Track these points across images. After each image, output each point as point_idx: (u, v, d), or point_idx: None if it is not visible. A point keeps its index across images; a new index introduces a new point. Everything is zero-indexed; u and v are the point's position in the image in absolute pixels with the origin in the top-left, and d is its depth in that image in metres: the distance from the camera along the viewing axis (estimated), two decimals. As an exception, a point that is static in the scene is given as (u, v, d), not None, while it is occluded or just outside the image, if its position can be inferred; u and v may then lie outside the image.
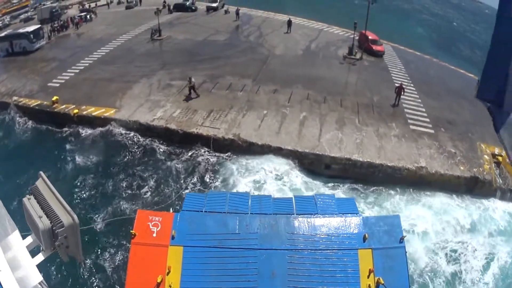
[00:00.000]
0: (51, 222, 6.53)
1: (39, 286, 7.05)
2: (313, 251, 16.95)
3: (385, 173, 30.30)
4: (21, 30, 61.85)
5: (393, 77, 47.32)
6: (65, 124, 39.01)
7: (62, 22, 71.42)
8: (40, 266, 6.88)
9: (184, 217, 18.27)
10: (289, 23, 61.46)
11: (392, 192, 29.72)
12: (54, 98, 41.10)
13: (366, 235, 16.68)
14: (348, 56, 52.49)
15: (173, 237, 17.36)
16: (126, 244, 24.39)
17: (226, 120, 35.31)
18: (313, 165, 31.33)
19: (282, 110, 36.71)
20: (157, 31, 60.66)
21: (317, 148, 31.40)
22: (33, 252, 7.14)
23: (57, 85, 46.19)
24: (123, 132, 36.12)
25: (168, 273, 16.45)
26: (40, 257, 7.00)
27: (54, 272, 23.94)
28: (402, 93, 38.50)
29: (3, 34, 63.59)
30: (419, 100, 40.92)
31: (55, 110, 40.23)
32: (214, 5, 76.09)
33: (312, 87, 41.70)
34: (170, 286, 16.13)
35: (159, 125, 35.48)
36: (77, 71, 49.60)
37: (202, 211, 18.75)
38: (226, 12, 72.50)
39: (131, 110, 37.95)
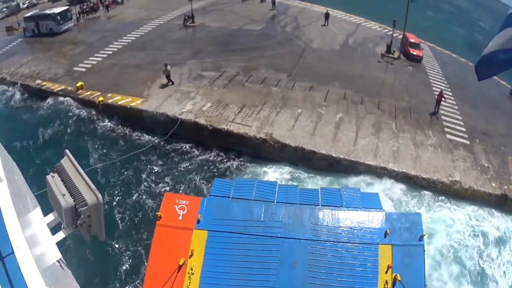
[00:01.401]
0: (74, 201, 6.40)
1: (58, 263, 7.06)
2: (335, 243, 17.32)
3: (419, 184, 29.07)
4: (48, 11, 61.66)
5: (430, 80, 45.82)
6: (89, 111, 38.64)
7: (91, 4, 71.19)
8: (59, 244, 6.77)
9: (211, 202, 18.93)
10: (327, 15, 59.81)
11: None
12: (79, 84, 40.97)
13: (388, 231, 16.99)
14: (386, 54, 50.89)
15: (198, 221, 17.95)
16: (150, 226, 23.95)
17: (258, 117, 34.15)
18: (345, 171, 30.00)
19: (317, 110, 35.36)
20: (190, 17, 59.81)
21: (352, 154, 30.10)
22: (54, 230, 7.01)
23: (83, 69, 46.02)
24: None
25: (190, 256, 17.02)
26: (60, 235, 6.84)
27: (74, 251, 23.92)
28: (443, 100, 36.87)
29: (29, 14, 63.41)
30: (456, 107, 39.32)
31: (80, 96, 39.90)
32: (251, -8, 74.48)
33: (350, 86, 40.25)
34: (191, 269, 16.71)
35: (188, 119, 34.44)
36: (105, 56, 49.30)
37: (229, 197, 19.50)
38: (262, 0, 71.13)
39: (159, 101, 37.21)
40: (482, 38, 76.19)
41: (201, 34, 56.11)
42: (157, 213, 18.00)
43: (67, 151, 7.27)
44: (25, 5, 75.65)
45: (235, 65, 44.27)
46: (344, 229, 17.67)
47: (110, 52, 50.16)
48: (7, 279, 5.35)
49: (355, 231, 17.57)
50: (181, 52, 48.62)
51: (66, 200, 6.34)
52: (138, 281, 22.57)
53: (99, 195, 6.38)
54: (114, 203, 28.17)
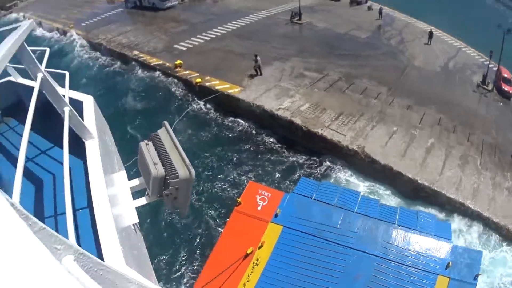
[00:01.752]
0: (165, 171, 6.46)
1: (133, 227, 7.43)
2: (400, 264, 17.58)
3: (489, 228, 28.70)
4: None
5: (519, 121, 45.05)
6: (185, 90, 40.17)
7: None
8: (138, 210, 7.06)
9: (292, 199, 19.63)
10: (431, 34, 59.56)
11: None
12: (178, 61, 42.70)
13: (450, 263, 17.17)
14: (481, 85, 50.55)
15: (276, 215, 18.67)
16: (227, 211, 25.37)
17: (354, 127, 34.80)
18: (425, 199, 30.13)
19: (412, 131, 35.45)
20: (297, 14, 60.38)
21: (436, 184, 29.97)
22: (135, 196, 7.26)
23: (184, 48, 47.89)
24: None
25: (260, 247, 17.69)
26: (142, 201, 7.11)
27: (148, 220, 25.37)
28: None
29: None
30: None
31: (177, 74, 41.45)
32: (359, -2, 74.41)
33: (445, 111, 40.10)
34: (257, 260, 17.32)
35: (284, 116, 35.44)
36: (208, 38, 50.90)
37: (311, 198, 20.07)
38: (369, 8, 71.04)
39: (257, 93, 38.62)
40: None
41: (307, 33, 56.83)
42: (237, 198, 19.02)
43: (165, 122, 7.39)
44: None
45: (338, 70, 44.93)
46: (412, 252, 18.11)
47: (214, 36, 51.81)
48: (77, 235, 5.42)
49: (421, 257, 17.93)
50: (286, 48, 49.43)
51: (157, 169, 6.46)
52: (202, 259, 23.32)
53: (193, 171, 6.43)
54: (197, 181, 28.93)
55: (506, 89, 49.91)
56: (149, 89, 42.05)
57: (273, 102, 36.92)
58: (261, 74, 41.29)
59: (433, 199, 29.71)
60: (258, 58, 40.76)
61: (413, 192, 30.39)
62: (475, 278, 16.84)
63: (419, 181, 30.08)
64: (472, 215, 28.87)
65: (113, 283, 2.79)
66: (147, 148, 6.86)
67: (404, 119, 37.29)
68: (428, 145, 34.29)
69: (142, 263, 7.44)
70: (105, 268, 2.71)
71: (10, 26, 6.29)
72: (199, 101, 39.38)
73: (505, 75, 51.19)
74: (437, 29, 65.99)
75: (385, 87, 42.78)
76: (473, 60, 59.69)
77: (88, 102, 8.39)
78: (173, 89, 41.40)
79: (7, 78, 9.35)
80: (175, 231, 26.20)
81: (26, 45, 6.00)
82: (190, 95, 40.51)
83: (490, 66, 50.99)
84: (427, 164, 32.03)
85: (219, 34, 53.09)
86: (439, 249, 18.18)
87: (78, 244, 4.25)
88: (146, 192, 7.02)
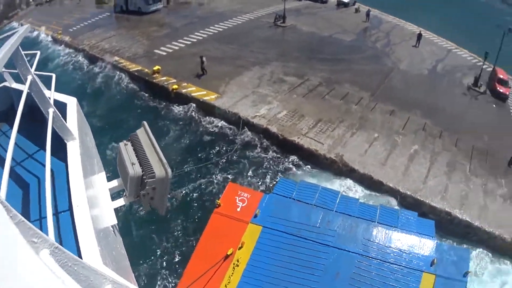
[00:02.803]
0: (142, 171, 6.69)
1: (111, 228, 7.47)
2: (382, 262, 17.65)
3: (480, 237, 27.64)
4: None
5: (514, 123, 43.65)
6: (162, 97, 39.51)
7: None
8: (116, 211, 7.25)
9: (272, 199, 19.72)
10: (419, 36, 58.28)
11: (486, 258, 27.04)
12: (156, 67, 41.79)
13: (435, 260, 17.24)
14: (472, 87, 49.07)
15: (255, 216, 18.77)
16: (205, 212, 25.00)
17: (332, 135, 33.55)
18: (409, 209, 28.18)
19: (394, 137, 34.39)
20: (281, 17, 59.52)
21: (419, 193, 28.97)
22: (114, 197, 7.46)
23: (164, 53, 47.06)
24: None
25: (240, 248, 17.74)
26: (120, 202, 7.30)
27: (128, 220, 25.76)
28: None
29: None
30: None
31: (154, 81, 40.52)
32: (346, 0, 73.82)
33: (431, 116, 38.95)
34: (238, 261, 17.37)
35: (259, 124, 34.41)
36: (189, 43, 50.09)
37: (291, 198, 20.14)
38: (357, 10, 69.98)
39: (233, 100, 37.46)
40: None
41: (289, 36, 55.84)
42: (217, 200, 18.84)
43: (144, 122, 7.68)
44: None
45: (319, 75, 43.78)
46: (394, 250, 18.06)
47: (195, 40, 50.87)
48: (58, 235, 5.69)
49: (404, 254, 17.87)
50: (266, 52, 48.52)
51: (134, 169, 6.66)
52: (183, 261, 22.80)
53: (169, 170, 6.66)
54: (177, 183, 28.93)
55: (501, 90, 48.44)
56: (128, 95, 41.31)
57: (250, 110, 36.16)
58: (206, 73, 41.27)
59: (417, 209, 27.33)
60: (204, 59, 40.77)
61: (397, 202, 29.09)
62: (465, 275, 16.82)
63: (400, 190, 28.99)
64: (460, 225, 27.78)
65: (88, 278, 2.99)
66: (125, 149, 7.18)
67: (386, 125, 36.18)
68: (411, 152, 33.09)
69: (121, 263, 7.47)
70: (79, 263, 2.91)
71: (9, 33, 6.64)
72: (175, 106, 38.47)
73: (501, 76, 49.70)
74: (426, 31, 64.77)
75: (368, 92, 41.60)
76: (464, 61, 58.38)
77: (72, 104, 8.64)
78: (147, 95, 40.71)
79: (2, 84, 9.66)
80: (155, 233, 26.06)
81: (20, 49, 6.41)
82: (166, 101, 39.35)
83: (484, 67, 49.50)
84: (410, 172, 30.80)
85: (200, 38, 52.16)
86: (422, 246, 18.16)
87: (60, 243, 4.14)
88: (124, 193, 7.30)
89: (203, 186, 29.89)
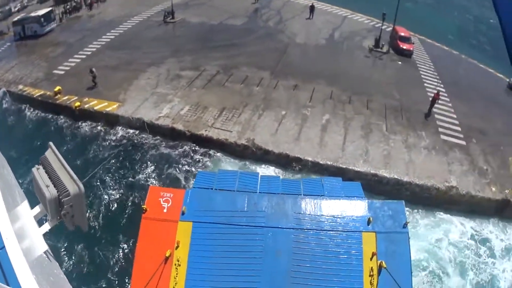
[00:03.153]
0: (57, 191, 6.67)
1: (44, 255, 7.31)
2: (318, 231, 17.47)
3: (412, 191, 27.50)
4: (32, 14, 61.02)
5: (422, 76, 43.89)
6: (68, 116, 37.72)
7: (74, 4, 69.60)
8: (46, 236, 7.05)
9: (194, 194, 19.00)
10: (312, 8, 57.60)
11: (416, 214, 27.27)
12: (57, 88, 40.10)
13: (371, 219, 17.05)
14: (374, 48, 48.90)
15: (183, 213, 18.01)
16: (135, 219, 23.33)
17: (239, 121, 32.58)
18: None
19: (302, 111, 33.81)
20: (170, 13, 57.88)
21: (340, 161, 28.51)
22: (41, 222, 7.29)
23: (62, 72, 44.73)
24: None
25: (176, 248, 17.10)
26: (46, 227, 7.12)
27: (62, 243, 25.15)
28: (437, 101, 35.10)
29: (16, 19, 62.79)
30: (450, 105, 37.53)
31: (57, 102, 38.51)
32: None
33: (336, 83, 38.49)
34: (178, 260, 16.79)
35: (165, 124, 32.98)
36: (84, 57, 47.89)
37: (212, 189, 19.60)
38: (245, -7, 68.46)
39: (135, 105, 35.83)
40: (473, 29, 74.27)
41: (180, 31, 54.40)
42: (142, 206, 18.04)
43: (50, 143, 7.57)
44: (16, 9, 75.20)
45: (215, 63, 42.74)
46: (326, 217, 17.79)
47: (89, 53, 48.73)
48: (1, 272, 5.62)
49: (338, 219, 17.68)
50: (159, 51, 47.07)
51: (50, 191, 6.63)
52: (126, 274, 22.96)
53: (81, 185, 6.65)
54: (98, 198, 28.51)
55: (404, 47, 48.87)
56: (38, 122, 39.12)
57: (152, 112, 34.73)
58: (96, 84, 39.75)
59: (342, 177, 25.94)
60: (94, 69, 39.39)
61: (318, 173, 28.49)
62: (404, 226, 16.84)
63: (320, 162, 28.83)
64: (389, 184, 27.76)
65: None
66: (38, 173, 7.14)
67: (292, 100, 35.55)
68: (323, 122, 32.55)
69: (61, 287, 7.61)
70: None
71: None
72: (83, 123, 36.71)
73: (402, 34, 50.06)
74: (319, 1, 64.54)
75: (267, 71, 40.90)
76: (362, 25, 58.49)
77: None
78: (56, 118, 38.49)
79: None
80: (92, 251, 25.55)
81: None
82: (73, 120, 37.49)
83: (383, 28, 49.46)
84: (326, 142, 30.37)
85: (94, 49, 49.88)
86: (355, 208, 17.97)
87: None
88: (48, 217, 7.09)
89: (124, 197, 29.17)
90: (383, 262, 15.55)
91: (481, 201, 27.14)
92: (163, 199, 18.77)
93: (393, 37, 50.46)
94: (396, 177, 27.51)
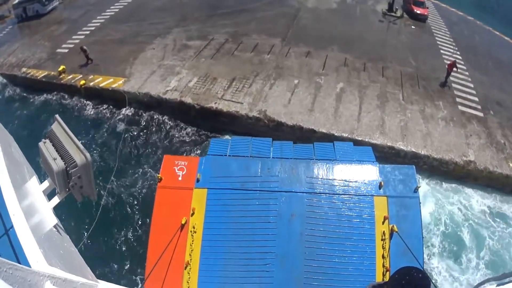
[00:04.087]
0: (65, 163, 6.75)
1: (54, 229, 7.31)
2: (330, 195, 17.73)
3: (430, 165, 26.66)
4: None
5: (438, 42, 42.34)
6: (73, 95, 37.07)
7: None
8: (57, 210, 7.17)
9: (208, 161, 19.28)
10: (322, -30, 55.20)
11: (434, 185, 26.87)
12: (61, 68, 39.18)
13: (382, 183, 17.32)
14: (388, 13, 47.41)
15: (198, 180, 18.39)
16: (151, 192, 25.48)
17: (250, 92, 31.25)
18: None
19: (315, 80, 32.45)
20: None
21: (356, 132, 27.42)
22: (50, 196, 7.27)
23: (66, 51, 43.69)
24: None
25: (192, 215, 17.55)
26: (55, 200, 7.13)
27: (74, 215, 25.04)
28: (454, 70, 33.68)
29: (16, 1, 61.95)
30: (467, 73, 36.16)
31: (62, 81, 37.69)
32: None
33: (350, 49, 37.13)
34: (194, 227, 17.23)
35: (172, 98, 31.79)
36: (88, 32, 46.96)
37: (226, 155, 19.79)
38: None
39: (142, 79, 34.69)
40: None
41: None
42: (157, 175, 18.34)
43: (57, 116, 7.49)
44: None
45: (223, 31, 41.35)
46: (339, 181, 18.08)
47: (93, 28, 47.74)
48: (11, 249, 5.69)
49: (350, 183, 17.99)
50: (165, 21, 45.74)
51: (57, 164, 6.68)
52: (143, 243, 22.75)
53: (87, 155, 6.71)
54: (114, 175, 27.40)
55: (418, 12, 47.45)
56: (43, 103, 38.40)
57: (159, 85, 33.36)
58: (92, 61, 39.05)
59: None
60: (85, 47, 38.51)
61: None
62: (415, 191, 17.13)
63: (335, 134, 27.70)
64: (406, 157, 26.88)
65: (25, 280, 3.35)
66: (45, 147, 7.16)
67: (305, 68, 34.17)
68: (338, 91, 31.31)
69: (72, 261, 7.53)
70: (13, 266, 3.20)
71: None
72: (88, 103, 36.12)
73: None
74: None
75: (278, 38, 39.48)
76: (374, -13, 56.40)
77: None
78: (61, 99, 37.80)
79: None
80: (107, 225, 25.63)
81: None
82: (78, 100, 36.82)
83: None
84: (341, 113, 29.17)
85: (98, 24, 48.97)
86: (366, 172, 18.22)
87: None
88: (56, 190, 7.14)
89: (140, 169, 29.13)
90: (395, 226, 15.88)
91: (499, 177, 26.20)
92: (178, 167, 19.01)
93: (407, 1, 48.93)
94: (413, 150, 26.61)
